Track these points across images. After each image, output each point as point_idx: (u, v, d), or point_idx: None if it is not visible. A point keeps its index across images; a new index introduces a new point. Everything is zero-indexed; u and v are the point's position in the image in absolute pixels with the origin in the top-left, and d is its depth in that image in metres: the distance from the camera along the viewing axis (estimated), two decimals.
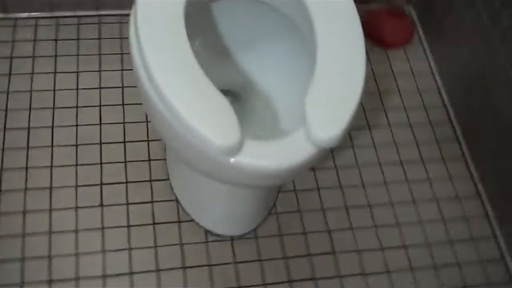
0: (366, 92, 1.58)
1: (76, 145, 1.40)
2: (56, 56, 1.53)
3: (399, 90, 1.61)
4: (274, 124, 1.22)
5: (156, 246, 1.29)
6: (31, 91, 1.46)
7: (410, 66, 1.67)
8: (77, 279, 1.23)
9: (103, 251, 1.27)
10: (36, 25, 1.56)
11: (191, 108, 0.89)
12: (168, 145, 1.09)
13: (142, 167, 1.39)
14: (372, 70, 1.63)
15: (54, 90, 1.47)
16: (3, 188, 1.32)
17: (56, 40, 1.55)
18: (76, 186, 1.34)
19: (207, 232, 1.31)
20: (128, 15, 1.61)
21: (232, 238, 1.32)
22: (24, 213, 1.29)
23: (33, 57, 1.52)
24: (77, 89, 1.48)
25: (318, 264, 1.31)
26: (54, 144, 1.39)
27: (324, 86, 0.93)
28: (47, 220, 1.29)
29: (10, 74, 1.48)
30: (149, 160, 1.40)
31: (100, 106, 1.46)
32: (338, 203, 1.40)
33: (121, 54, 1.55)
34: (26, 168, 1.35)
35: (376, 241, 1.36)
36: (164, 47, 0.94)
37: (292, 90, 1.18)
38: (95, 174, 1.36)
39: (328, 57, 0.97)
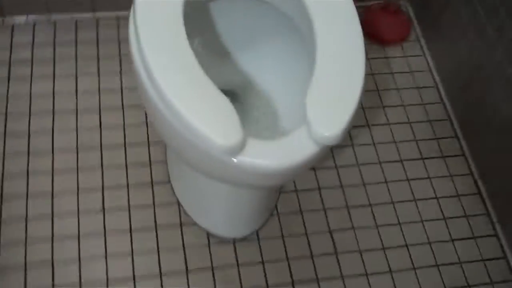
0: (365, 90, 1.58)
1: (77, 149, 1.40)
2: (54, 59, 1.52)
3: (397, 87, 1.61)
4: (274, 123, 1.22)
5: (158, 250, 1.29)
6: (30, 95, 1.46)
7: (407, 62, 1.67)
8: (80, 284, 1.24)
9: (106, 256, 1.27)
10: (33, 29, 1.56)
11: (192, 108, 0.88)
12: (168, 145, 1.08)
13: (143, 170, 1.39)
14: (370, 67, 1.64)
15: (53, 94, 1.47)
16: (4, 195, 1.32)
17: (54, 43, 1.55)
18: (78, 191, 1.34)
19: (209, 234, 1.32)
20: (125, 16, 1.61)
21: (234, 240, 1.32)
22: (26, 219, 1.30)
23: (32, 60, 1.51)
24: (76, 92, 1.48)
25: (321, 265, 1.31)
26: (54, 149, 1.39)
27: (324, 85, 0.93)
28: (49, 226, 1.29)
29: (9, 78, 1.48)
30: (150, 163, 1.40)
31: (99, 109, 1.46)
32: (339, 202, 1.40)
33: (119, 56, 1.55)
34: (27, 173, 1.35)
35: (377, 240, 1.36)
36: (164, 47, 0.93)
37: (292, 89, 1.18)
38: (96, 179, 1.36)
39: (328, 55, 0.97)
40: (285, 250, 1.32)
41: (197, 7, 1.13)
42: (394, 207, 1.41)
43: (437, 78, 1.64)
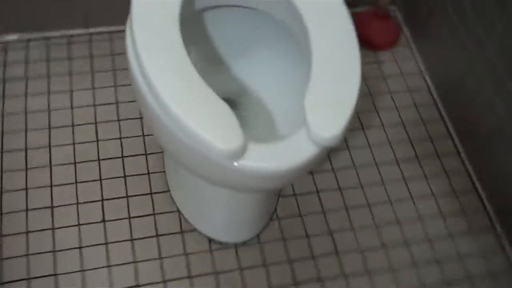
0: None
1: (75, 163, 1.40)
2: (48, 76, 1.53)
3: (389, 91, 1.63)
4: (271, 129, 1.22)
5: (160, 258, 1.29)
6: (25, 112, 1.46)
7: (398, 66, 1.69)
8: None
9: (109, 265, 1.27)
10: (27, 46, 1.57)
11: (190, 112, 0.89)
12: (166, 150, 1.08)
13: (142, 180, 1.39)
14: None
15: (49, 110, 1.47)
16: (4, 210, 1.32)
17: (47, 60, 1.56)
18: (77, 204, 1.34)
19: (210, 240, 1.32)
20: (118, 31, 1.62)
21: (235, 245, 1.32)
22: (27, 233, 1.30)
23: (26, 78, 1.52)
24: (71, 107, 1.48)
25: (323, 266, 1.32)
26: (52, 164, 1.39)
27: (321, 87, 0.94)
28: (51, 239, 1.29)
29: (3, 97, 1.48)
30: (148, 173, 1.40)
31: (95, 123, 1.47)
32: (338, 204, 1.41)
33: (113, 70, 1.56)
34: (26, 189, 1.35)
35: (377, 239, 1.37)
36: (161, 52, 0.94)
37: (288, 94, 1.19)
38: (96, 191, 1.37)
39: (324, 58, 0.98)
40: (287, 253, 1.33)
41: (190, 17, 1.14)
42: (392, 206, 1.42)
43: (429, 81, 1.65)
